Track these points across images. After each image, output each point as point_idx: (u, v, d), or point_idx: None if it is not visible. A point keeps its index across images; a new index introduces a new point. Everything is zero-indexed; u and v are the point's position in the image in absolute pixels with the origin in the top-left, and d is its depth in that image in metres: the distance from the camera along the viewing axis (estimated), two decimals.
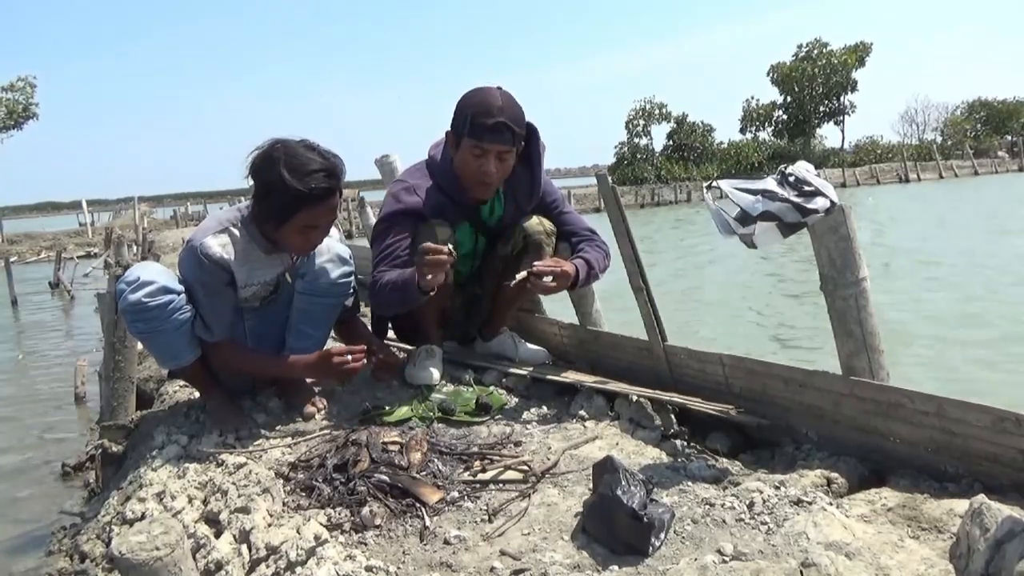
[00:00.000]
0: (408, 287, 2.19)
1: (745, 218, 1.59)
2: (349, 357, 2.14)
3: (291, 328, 2.28)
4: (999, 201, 21.19)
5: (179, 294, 2.06)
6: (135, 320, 2.04)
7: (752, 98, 54.30)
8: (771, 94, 60.72)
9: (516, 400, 2.34)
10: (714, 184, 1.66)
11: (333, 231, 2.33)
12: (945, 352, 5.80)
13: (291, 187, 1.98)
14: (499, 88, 2.31)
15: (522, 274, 2.19)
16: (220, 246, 2.07)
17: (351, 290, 2.36)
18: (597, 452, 1.89)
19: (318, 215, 2.05)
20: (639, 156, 47.21)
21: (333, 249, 2.25)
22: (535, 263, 2.23)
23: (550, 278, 2.20)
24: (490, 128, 2.25)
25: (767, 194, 1.59)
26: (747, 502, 1.51)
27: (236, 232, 2.12)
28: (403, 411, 2.17)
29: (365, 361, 2.19)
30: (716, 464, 1.88)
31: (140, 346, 3.37)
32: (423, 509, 1.60)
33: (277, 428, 2.18)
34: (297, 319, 2.27)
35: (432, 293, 2.18)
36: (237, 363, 2.24)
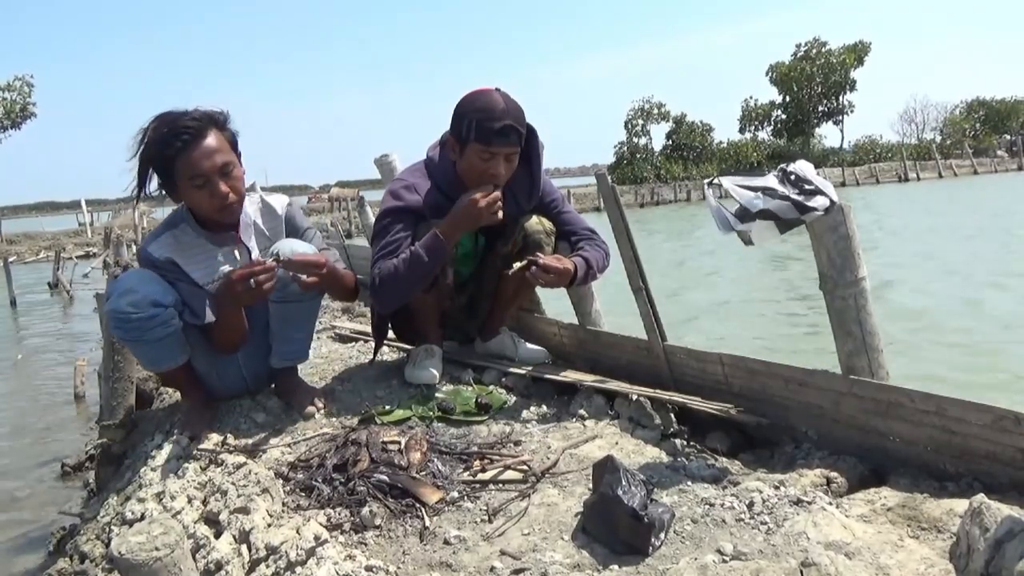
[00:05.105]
0: (438, 245, 2.23)
1: (744, 214, 1.60)
2: (252, 282, 1.90)
3: (274, 335, 2.24)
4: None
5: (167, 307, 1.97)
6: (115, 327, 2.00)
7: (751, 98, 54.47)
8: (770, 94, 60.60)
9: (516, 399, 2.34)
10: (715, 181, 1.67)
11: (316, 233, 2.27)
12: None
13: (155, 140, 1.93)
14: (498, 89, 2.31)
15: (523, 262, 2.23)
16: (162, 247, 2.06)
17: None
18: (597, 451, 1.89)
19: (193, 161, 1.95)
20: (638, 156, 47.28)
21: (296, 252, 2.07)
22: (539, 255, 2.28)
23: (549, 273, 2.24)
24: (497, 132, 2.25)
25: (767, 191, 1.59)
26: (747, 502, 1.51)
27: (179, 231, 2.09)
28: (403, 411, 2.17)
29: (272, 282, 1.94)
30: (716, 463, 1.88)
31: None
32: (423, 509, 1.60)
33: (276, 428, 2.18)
34: (278, 327, 2.22)
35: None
36: None
